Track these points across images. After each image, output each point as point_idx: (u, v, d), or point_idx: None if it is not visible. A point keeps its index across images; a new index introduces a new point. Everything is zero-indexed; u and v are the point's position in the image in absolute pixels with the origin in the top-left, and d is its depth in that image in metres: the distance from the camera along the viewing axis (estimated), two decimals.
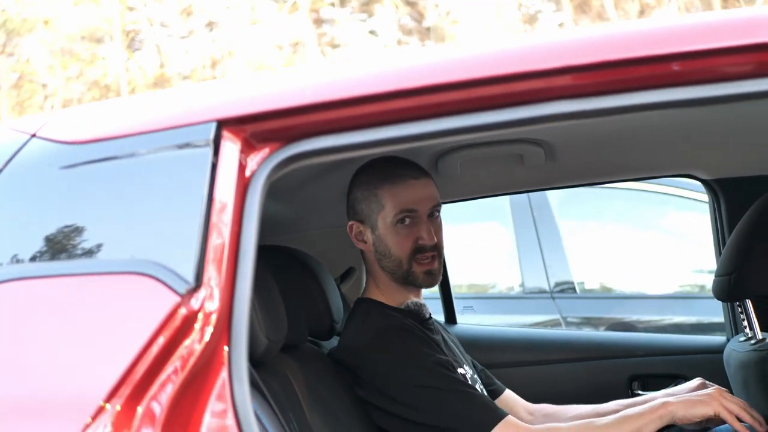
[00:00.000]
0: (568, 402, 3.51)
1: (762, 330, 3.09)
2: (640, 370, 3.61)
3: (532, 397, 3.39)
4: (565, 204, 6.23)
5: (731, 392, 3.17)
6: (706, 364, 3.54)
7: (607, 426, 2.55)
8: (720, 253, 3.23)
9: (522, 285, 5.95)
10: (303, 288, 2.60)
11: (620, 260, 6.46)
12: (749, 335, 3.08)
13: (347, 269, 3.37)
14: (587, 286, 6.32)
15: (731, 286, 2.90)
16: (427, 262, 2.68)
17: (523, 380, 3.56)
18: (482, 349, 3.47)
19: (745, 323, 3.10)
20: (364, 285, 2.87)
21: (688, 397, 2.58)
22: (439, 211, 2.74)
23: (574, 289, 5.98)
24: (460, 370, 2.74)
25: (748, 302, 3.05)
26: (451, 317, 3.84)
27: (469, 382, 2.73)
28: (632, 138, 3.08)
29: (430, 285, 2.75)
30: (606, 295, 6.35)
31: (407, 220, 2.66)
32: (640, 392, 3.57)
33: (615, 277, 6.51)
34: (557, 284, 5.92)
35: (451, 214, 3.86)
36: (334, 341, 2.85)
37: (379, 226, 2.69)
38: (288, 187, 2.81)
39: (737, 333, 3.40)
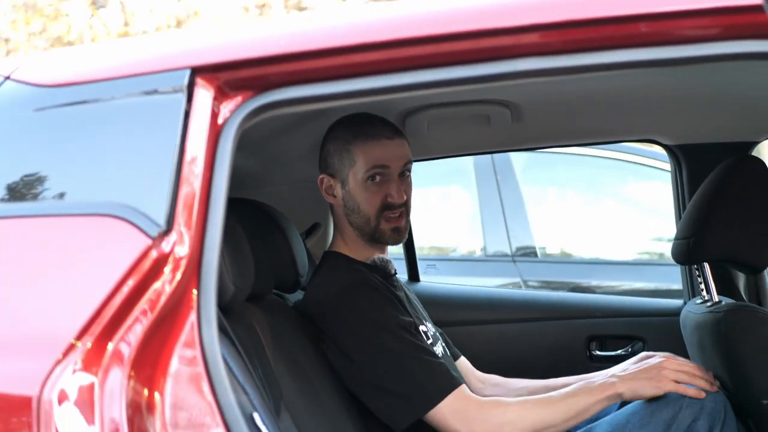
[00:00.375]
0: (526, 361, 3.58)
1: (718, 293, 3.15)
2: (597, 331, 3.65)
3: (492, 355, 3.45)
4: (528, 169, 6.29)
5: (686, 355, 3.25)
6: (662, 326, 3.60)
7: (555, 402, 2.58)
8: (680, 218, 3.29)
9: (484, 248, 6.00)
10: (269, 241, 2.62)
11: (581, 226, 6.53)
12: (706, 298, 3.14)
13: (313, 224, 3.40)
14: (548, 251, 6.39)
15: (690, 249, 2.96)
16: (394, 219, 2.72)
17: (483, 338, 3.62)
18: (443, 307, 3.51)
19: (702, 286, 3.15)
20: (330, 239, 2.90)
21: (638, 374, 2.61)
22: (410, 171, 2.77)
23: (535, 253, 6.04)
24: (422, 327, 2.78)
25: (706, 265, 3.10)
26: (414, 275, 3.88)
27: (431, 340, 2.78)
28: (597, 102, 3.12)
29: (397, 242, 2.79)
30: (566, 260, 6.42)
31: (378, 177, 2.70)
32: (597, 352, 3.63)
33: (576, 243, 6.58)
34: (519, 248, 5.97)
35: (415, 176, 3.90)
36: (298, 295, 2.88)
37: (349, 181, 2.72)
38: (256, 141, 2.83)
39: (694, 296, 3.46)
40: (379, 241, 2.76)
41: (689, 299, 3.51)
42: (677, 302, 3.76)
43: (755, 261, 2.92)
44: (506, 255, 5.91)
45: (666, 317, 3.62)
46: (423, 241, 6.03)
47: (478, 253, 6.09)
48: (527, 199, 6.10)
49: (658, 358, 2.68)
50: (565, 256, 6.53)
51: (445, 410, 2.53)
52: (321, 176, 2.77)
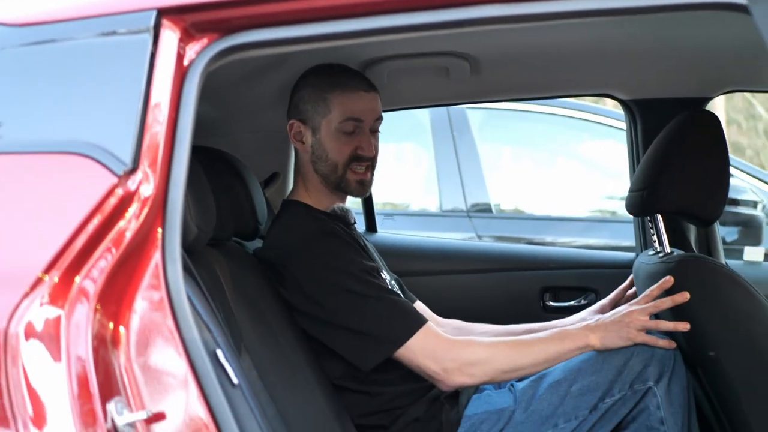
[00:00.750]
0: (482, 311, 3.62)
1: (670, 245, 3.20)
2: (552, 282, 3.71)
3: (448, 304, 3.49)
4: (484, 126, 6.32)
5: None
6: (615, 277, 3.64)
7: (526, 346, 2.64)
8: (634, 171, 3.34)
9: (440, 204, 6.04)
10: (229, 188, 2.64)
11: (536, 183, 6.58)
12: (658, 250, 3.19)
13: (272, 174, 3.42)
14: (503, 207, 6.44)
15: (643, 201, 3.01)
16: (361, 172, 2.76)
17: (439, 289, 3.66)
18: (400, 257, 3.55)
19: (655, 238, 3.20)
20: (289, 189, 2.93)
21: (609, 326, 2.66)
22: (379, 127, 2.81)
23: (490, 209, 6.09)
24: (382, 274, 2.83)
25: (659, 217, 3.16)
26: (371, 226, 3.91)
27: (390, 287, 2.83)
28: (554, 55, 3.15)
29: (361, 195, 2.83)
30: (520, 216, 6.48)
31: (351, 129, 2.73)
32: (551, 303, 3.69)
33: (530, 200, 6.64)
34: (474, 205, 6.02)
35: None
36: (257, 243, 2.90)
37: (321, 129, 2.74)
38: (217, 89, 2.84)
39: (646, 248, 3.51)
40: (344, 190, 2.79)
41: (642, 251, 3.57)
42: (630, 255, 3.82)
43: (706, 213, 2.98)
44: (461, 211, 5.95)
45: (618, 269, 3.67)
46: (379, 197, 6.07)
47: (434, 209, 6.13)
48: (483, 156, 6.13)
49: (626, 307, 2.73)
50: (520, 212, 6.59)
51: (414, 348, 2.58)
52: (291, 121, 2.79)
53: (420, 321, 2.61)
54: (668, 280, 2.69)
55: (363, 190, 2.80)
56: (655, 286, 2.73)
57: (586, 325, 2.68)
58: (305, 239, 2.68)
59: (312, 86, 2.77)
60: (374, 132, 2.79)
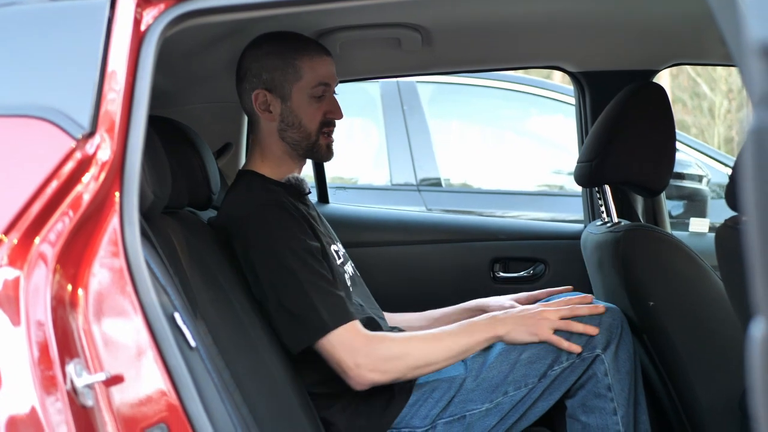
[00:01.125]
0: (433, 282, 3.65)
1: (617, 216, 3.25)
2: (501, 253, 3.74)
3: (400, 275, 3.51)
4: (434, 101, 6.34)
5: (586, 275, 3.37)
6: (563, 248, 3.70)
7: (438, 340, 2.65)
8: (583, 143, 3.38)
9: (390, 178, 6.06)
10: (183, 157, 2.64)
11: (485, 157, 6.61)
12: (606, 220, 3.25)
13: (224, 144, 3.43)
14: (453, 182, 6.47)
15: (592, 171, 3.05)
16: (328, 136, 2.80)
17: (391, 259, 3.68)
18: (352, 228, 3.56)
19: (603, 208, 3.25)
20: (242, 160, 2.94)
21: (518, 321, 2.68)
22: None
23: (440, 183, 6.11)
24: (333, 247, 2.85)
25: (607, 188, 3.21)
26: (323, 197, 3.93)
27: (341, 259, 2.85)
28: (505, 28, 3.18)
29: (329, 158, 2.86)
30: (469, 190, 6.51)
31: (321, 94, 2.75)
32: (501, 274, 3.72)
33: (479, 174, 6.67)
34: (424, 179, 6.04)
35: None
36: (210, 213, 2.91)
37: (293, 96, 2.76)
38: (170, 60, 2.85)
39: (594, 219, 3.56)
40: (313, 156, 2.82)
41: (590, 222, 3.61)
42: (578, 226, 3.86)
43: (653, 184, 3.03)
44: (412, 185, 5.98)
45: (567, 240, 3.72)
46: (329, 171, 6.08)
47: (384, 183, 6.14)
48: (433, 131, 6.16)
49: (540, 306, 2.75)
50: (469, 186, 6.62)
51: (334, 340, 2.58)
52: (256, 92, 2.79)
53: (347, 316, 2.61)
54: (587, 297, 2.75)
55: (330, 154, 2.84)
56: (574, 296, 2.78)
57: (494, 317, 2.70)
58: (256, 210, 2.69)
59: (276, 54, 2.77)
60: (334, 95, 2.84)
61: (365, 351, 2.58)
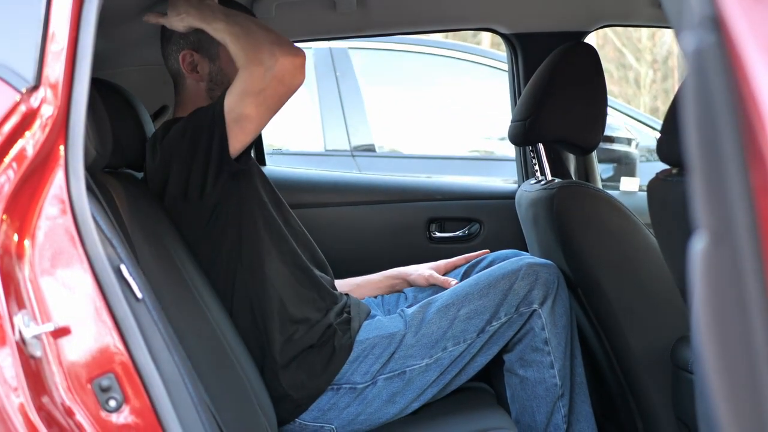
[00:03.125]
0: (370, 242, 3.70)
1: (551, 175, 3.31)
2: (438, 213, 3.78)
3: (337, 236, 3.53)
4: (367, 67, 6.35)
5: (521, 232, 3.42)
6: (498, 208, 3.75)
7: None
8: (516, 103, 3.42)
9: (324, 144, 6.07)
10: (121, 118, 2.64)
11: (418, 123, 6.65)
12: (540, 178, 3.30)
13: (161, 107, 3.42)
14: (386, 147, 6.50)
15: (525, 130, 3.10)
16: None
17: (328, 220, 3.70)
18: (289, 189, 3.57)
19: (537, 167, 3.31)
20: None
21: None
22: None
23: (373, 149, 6.14)
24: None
25: (540, 146, 3.26)
26: (260, 159, 3.94)
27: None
28: None
29: None
30: (402, 155, 6.55)
31: None
32: (437, 234, 3.76)
33: (412, 139, 6.70)
34: (358, 145, 6.06)
35: None
36: None
37: (220, 55, 2.76)
38: (107, 23, 2.84)
39: (528, 178, 3.62)
40: None
41: (523, 181, 3.67)
42: (512, 186, 3.92)
43: (585, 142, 3.09)
44: (345, 150, 6.00)
45: (502, 199, 3.76)
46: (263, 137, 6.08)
47: (318, 149, 6.15)
48: (366, 97, 6.18)
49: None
50: (402, 151, 6.65)
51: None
52: (183, 53, 2.80)
53: None
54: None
55: None
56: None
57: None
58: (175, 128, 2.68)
59: None
60: None
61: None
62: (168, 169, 2.63)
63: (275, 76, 2.53)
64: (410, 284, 3.11)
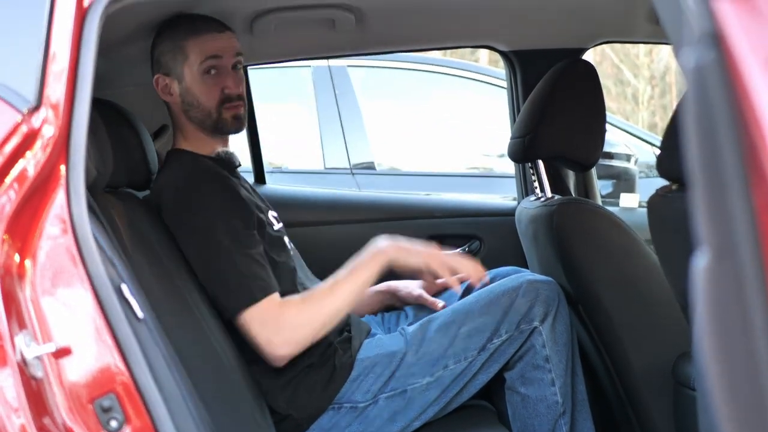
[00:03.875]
0: None
1: (551, 191, 3.31)
2: (438, 231, 3.77)
3: (337, 254, 3.52)
4: (366, 85, 6.36)
5: (521, 250, 3.42)
6: (498, 225, 3.75)
7: (336, 288, 2.68)
8: (515, 120, 3.42)
9: (323, 162, 6.07)
10: (122, 138, 2.64)
11: (417, 141, 6.65)
12: (539, 195, 3.30)
13: (161, 126, 3.43)
14: (386, 165, 6.49)
15: (525, 147, 3.11)
16: (234, 107, 2.79)
17: (328, 239, 3.70)
18: (290, 208, 3.57)
19: (536, 183, 3.31)
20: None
21: (407, 245, 2.75)
22: (241, 64, 2.84)
23: (373, 167, 6.14)
24: (271, 213, 2.87)
25: (540, 163, 3.26)
26: (260, 178, 3.94)
27: (279, 224, 2.87)
28: (437, 7, 3.20)
29: (239, 129, 2.85)
30: (402, 172, 6.54)
31: (213, 71, 2.76)
32: None
33: (412, 157, 6.70)
34: (357, 163, 6.06)
35: (256, 93, 3.94)
36: (148, 194, 2.92)
37: (185, 76, 2.77)
38: (107, 43, 2.85)
39: (528, 195, 3.62)
40: (222, 131, 2.82)
41: (523, 198, 3.66)
42: (512, 203, 3.92)
43: (584, 158, 3.09)
44: (345, 168, 5.99)
45: (502, 216, 3.76)
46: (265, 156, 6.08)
47: (318, 167, 6.15)
48: (365, 114, 6.18)
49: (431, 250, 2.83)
50: (402, 169, 6.64)
51: (248, 317, 2.61)
52: (156, 77, 2.82)
53: (268, 290, 2.63)
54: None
55: (240, 124, 2.83)
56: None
57: (377, 248, 2.75)
58: (186, 179, 2.71)
59: (167, 38, 2.80)
60: (236, 69, 2.83)
61: (276, 326, 2.60)
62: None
63: (269, 347, 2.61)
64: (400, 300, 3.10)
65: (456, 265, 2.74)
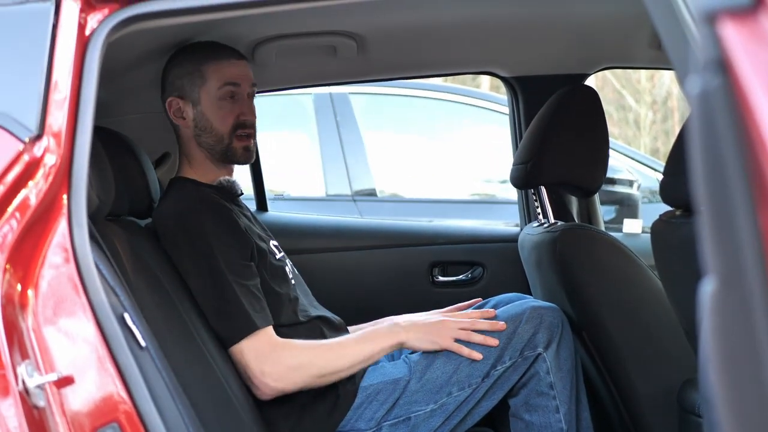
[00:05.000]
0: (373, 286, 3.67)
1: (554, 217, 3.30)
2: (440, 257, 3.76)
3: (339, 281, 3.52)
4: (368, 112, 6.37)
5: (524, 276, 3.41)
6: (501, 251, 3.74)
7: (343, 348, 2.69)
8: (517, 146, 3.42)
9: (325, 189, 6.08)
10: (124, 166, 2.64)
11: (419, 167, 6.66)
12: (542, 221, 3.29)
13: (163, 154, 3.43)
14: (387, 192, 6.50)
15: (527, 173, 3.10)
16: (245, 138, 2.80)
17: (330, 266, 3.69)
18: (292, 235, 3.57)
19: (539, 210, 3.30)
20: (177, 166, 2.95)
21: (421, 328, 2.74)
22: (255, 94, 2.86)
23: (375, 194, 6.14)
24: (273, 242, 2.87)
25: (543, 189, 3.26)
26: (262, 205, 3.94)
27: (281, 254, 2.87)
28: (438, 34, 3.21)
29: (248, 161, 2.86)
30: (404, 199, 6.55)
31: (230, 96, 2.77)
32: (440, 278, 3.75)
33: (413, 184, 6.71)
34: (359, 190, 6.07)
35: (257, 121, 3.93)
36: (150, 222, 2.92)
37: (201, 100, 2.78)
38: (109, 72, 2.85)
39: (530, 221, 3.61)
40: (230, 160, 2.83)
41: (526, 224, 3.66)
42: (515, 229, 3.91)
43: (587, 184, 3.08)
44: (347, 195, 6.00)
45: (504, 243, 3.76)
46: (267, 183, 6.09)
47: (319, 195, 6.16)
48: (366, 141, 6.19)
49: (439, 315, 2.82)
50: (404, 196, 6.65)
51: (244, 347, 2.61)
52: (169, 99, 2.82)
53: (261, 323, 2.63)
54: (489, 312, 2.78)
55: (249, 156, 2.85)
56: (475, 311, 2.83)
57: (396, 324, 2.76)
58: (188, 210, 2.71)
59: (186, 61, 2.81)
60: (251, 97, 2.85)
61: (272, 359, 2.61)
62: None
63: (262, 378, 2.61)
64: None
65: (471, 332, 2.73)
